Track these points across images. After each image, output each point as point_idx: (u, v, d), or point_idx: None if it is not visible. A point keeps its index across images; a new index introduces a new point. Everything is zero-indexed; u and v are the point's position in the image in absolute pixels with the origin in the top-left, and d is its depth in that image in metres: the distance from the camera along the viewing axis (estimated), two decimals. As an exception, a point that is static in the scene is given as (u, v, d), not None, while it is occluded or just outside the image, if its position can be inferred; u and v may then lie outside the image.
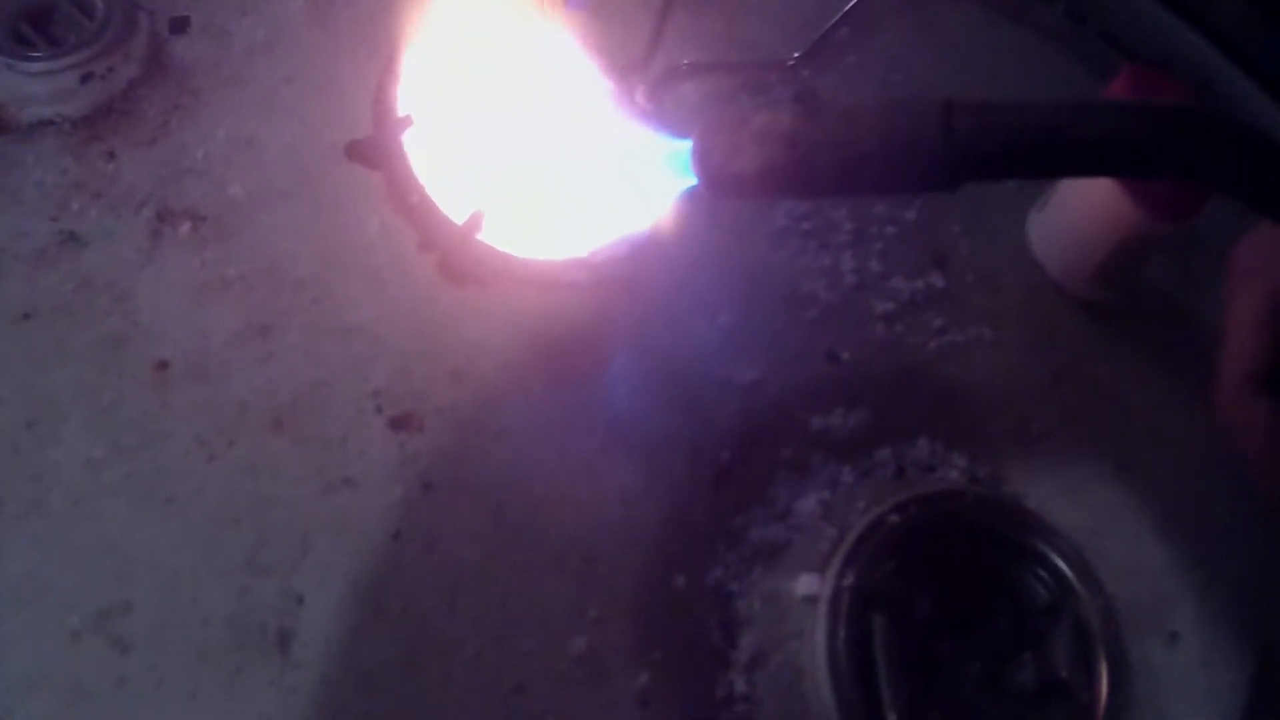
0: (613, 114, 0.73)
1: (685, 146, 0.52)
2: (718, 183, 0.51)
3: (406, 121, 0.71)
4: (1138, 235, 0.69)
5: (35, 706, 0.56)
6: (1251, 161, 0.41)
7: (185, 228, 0.69)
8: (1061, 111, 0.42)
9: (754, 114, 0.49)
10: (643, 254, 0.71)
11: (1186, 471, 0.72)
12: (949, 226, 0.77)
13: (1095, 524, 0.69)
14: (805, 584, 0.61)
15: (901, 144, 0.45)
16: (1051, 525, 0.63)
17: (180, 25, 0.78)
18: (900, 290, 0.74)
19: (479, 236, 0.69)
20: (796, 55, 0.82)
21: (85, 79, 0.74)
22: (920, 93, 0.45)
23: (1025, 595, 0.62)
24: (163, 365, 0.65)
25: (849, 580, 0.59)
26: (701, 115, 0.51)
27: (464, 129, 0.72)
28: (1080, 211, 0.72)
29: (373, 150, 0.72)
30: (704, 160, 0.50)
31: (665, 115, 0.77)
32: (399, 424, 0.65)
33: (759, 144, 0.48)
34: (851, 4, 0.85)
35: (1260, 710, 0.65)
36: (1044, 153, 0.43)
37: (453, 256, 0.69)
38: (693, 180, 0.52)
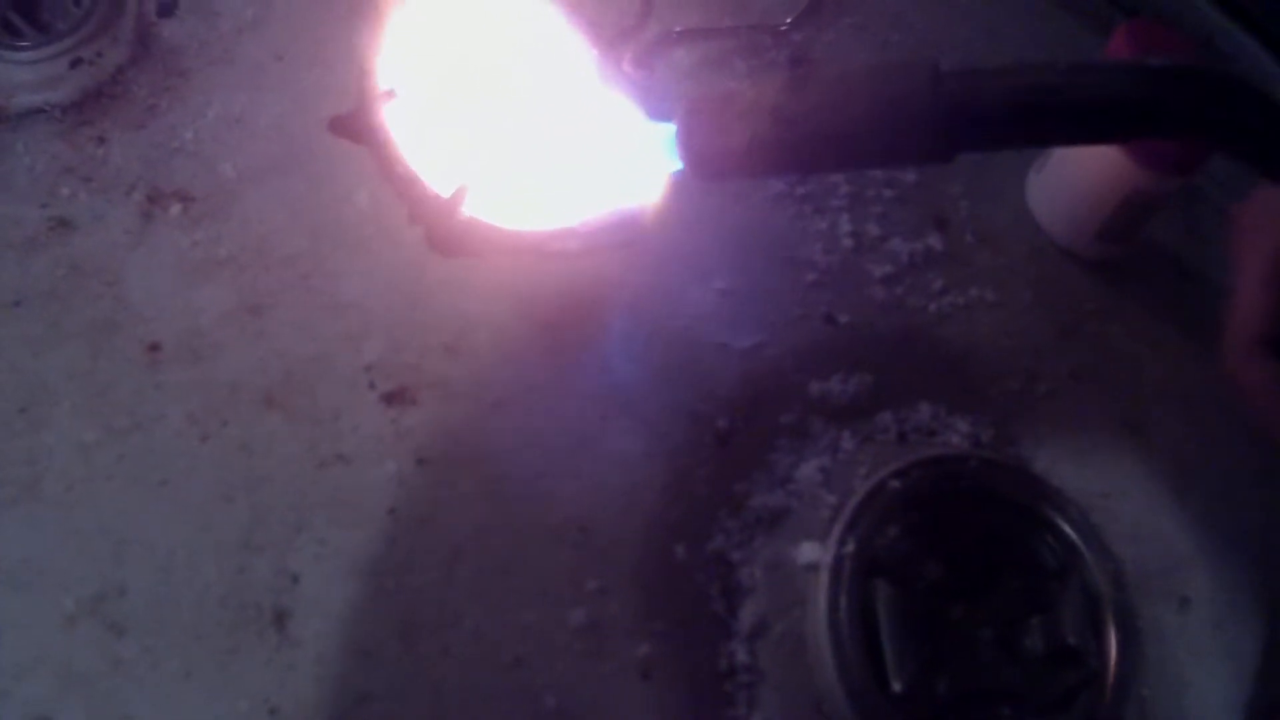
0: (600, 85, 0.73)
1: (668, 130, 0.51)
2: (704, 165, 0.49)
3: (389, 94, 0.71)
4: (1139, 192, 0.68)
5: (31, 691, 0.56)
6: (1254, 120, 0.40)
7: (175, 209, 0.69)
8: (1058, 74, 0.41)
9: (738, 91, 0.48)
10: (636, 220, 0.70)
11: (1196, 431, 0.71)
12: (948, 188, 0.76)
13: (1104, 487, 0.68)
14: (807, 551, 0.61)
15: (891, 114, 0.44)
16: (1058, 489, 0.62)
17: (168, 8, 0.77)
18: (899, 253, 0.73)
19: (464, 208, 0.68)
20: (790, 19, 0.81)
21: (74, 65, 0.74)
22: (914, 55, 0.44)
23: (1033, 559, 0.61)
24: (154, 347, 0.65)
25: (850, 547, 0.59)
26: (683, 98, 0.50)
27: (451, 101, 0.72)
28: (1081, 169, 0.71)
29: (355, 124, 0.71)
30: (688, 143, 0.49)
31: (655, 83, 0.76)
32: (392, 399, 0.64)
33: (744, 121, 0.47)
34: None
35: (1274, 672, 0.64)
36: (1042, 118, 0.42)
37: (440, 229, 0.68)
38: (678, 164, 0.51)
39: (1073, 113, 0.42)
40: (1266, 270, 0.54)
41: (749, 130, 0.47)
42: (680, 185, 0.69)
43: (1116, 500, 0.68)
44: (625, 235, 0.70)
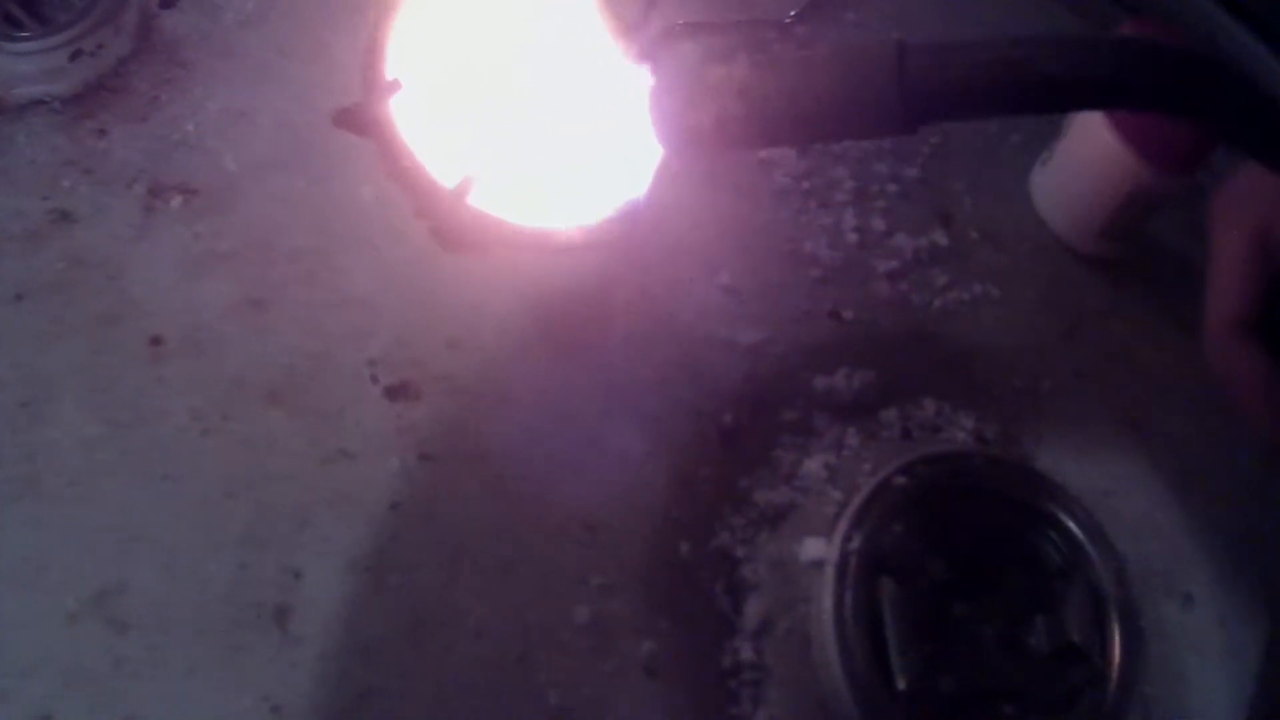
0: (604, 78, 0.72)
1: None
2: (674, 139, 0.50)
3: (394, 86, 0.70)
4: (1143, 189, 0.68)
5: (33, 689, 0.56)
6: (1214, 94, 0.41)
7: (177, 202, 0.69)
8: (1018, 47, 0.42)
9: (708, 68, 0.49)
10: (640, 215, 0.70)
11: (1199, 428, 0.71)
12: (952, 184, 0.76)
13: (1108, 484, 0.68)
14: (811, 548, 0.60)
15: (856, 89, 0.45)
16: (1062, 487, 0.62)
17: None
18: (904, 248, 0.73)
19: (470, 201, 0.68)
20: (793, 13, 0.81)
21: (74, 57, 0.73)
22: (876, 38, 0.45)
23: (1037, 557, 0.61)
24: (156, 341, 0.64)
25: (855, 544, 0.58)
26: (655, 73, 0.50)
27: (456, 94, 0.71)
28: (1085, 166, 0.71)
29: (360, 117, 0.71)
30: (658, 119, 0.50)
31: (660, 76, 0.75)
32: (396, 394, 0.64)
33: (713, 98, 0.48)
34: (850, -41, 0.84)
35: (1276, 667, 0.64)
36: (1002, 89, 0.42)
37: (445, 223, 0.68)
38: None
39: (1033, 87, 0.42)
40: (1244, 251, 0.55)
41: (717, 107, 0.48)
42: (684, 180, 0.70)
43: (1120, 498, 0.68)
44: (629, 230, 0.70)
